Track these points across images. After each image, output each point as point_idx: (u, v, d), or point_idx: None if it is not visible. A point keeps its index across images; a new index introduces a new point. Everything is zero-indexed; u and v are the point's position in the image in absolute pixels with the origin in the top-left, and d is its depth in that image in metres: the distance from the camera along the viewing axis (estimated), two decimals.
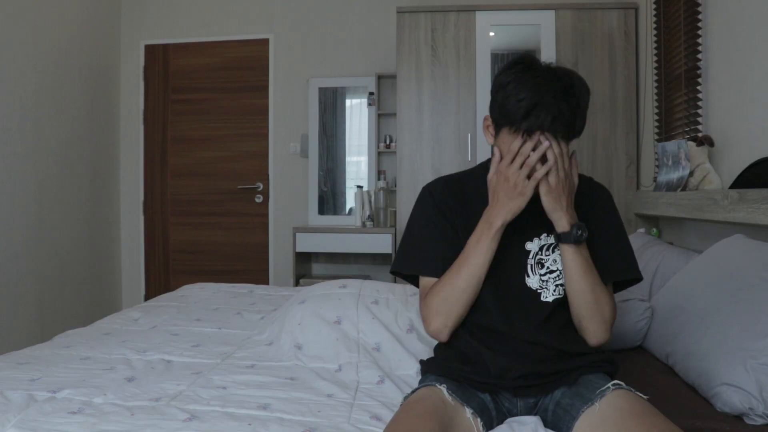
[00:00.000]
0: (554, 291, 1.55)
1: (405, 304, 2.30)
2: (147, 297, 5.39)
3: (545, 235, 1.58)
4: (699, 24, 3.00)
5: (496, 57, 4.27)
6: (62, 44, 4.61)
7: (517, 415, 1.50)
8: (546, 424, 1.45)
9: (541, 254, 1.57)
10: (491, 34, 4.25)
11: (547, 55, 4.13)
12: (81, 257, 4.86)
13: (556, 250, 1.57)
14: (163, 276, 5.41)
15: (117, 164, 5.43)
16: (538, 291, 1.55)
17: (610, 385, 1.39)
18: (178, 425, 1.48)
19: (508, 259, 1.56)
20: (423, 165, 4.27)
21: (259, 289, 3.38)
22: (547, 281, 1.56)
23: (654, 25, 3.67)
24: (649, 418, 1.27)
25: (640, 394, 1.37)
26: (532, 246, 1.57)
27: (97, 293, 5.10)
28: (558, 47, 4.14)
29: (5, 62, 4.01)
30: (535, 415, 1.49)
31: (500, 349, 1.52)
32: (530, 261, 1.57)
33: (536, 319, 1.53)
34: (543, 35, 4.17)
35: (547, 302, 1.55)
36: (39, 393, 1.70)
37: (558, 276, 1.55)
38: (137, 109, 5.43)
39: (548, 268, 1.56)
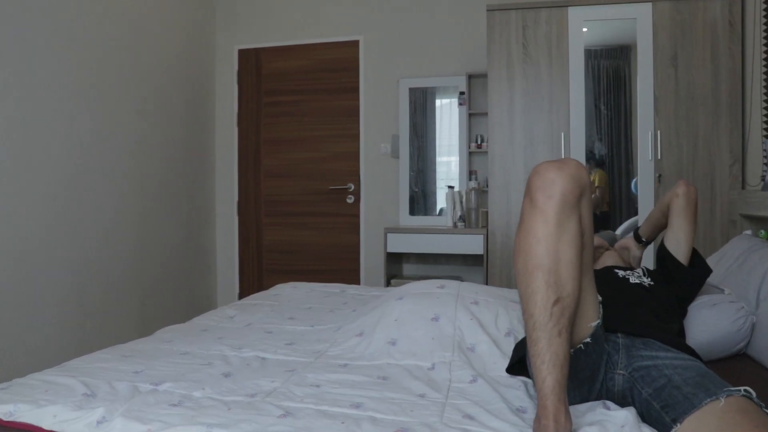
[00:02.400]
0: None
1: (506, 307, 2.26)
2: (241, 295, 5.53)
3: None
4: None
5: (589, 53, 4.16)
6: (162, 52, 4.79)
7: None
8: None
9: None
10: (584, 29, 4.14)
11: (644, 49, 3.99)
12: (179, 257, 5.03)
13: None
14: (256, 275, 5.54)
15: (212, 166, 5.60)
16: None
17: (741, 389, 1.36)
18: (273, 421, 1.50)
19: None
20: (515, 165, 4.20)
21: (350, 289, 3.40)
22: None
23: (764, 13, 3.48)
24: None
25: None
26: None
27: (194, 291, 5.27)
28: (655, 41, 3.99)
29: (112, 72, 4.20)
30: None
31: None
32: None
33: None
34: (639, 29, 4.03)
35: None
36: (142, 385, 1.76)
37: None
38: (231, 112, 5.59)
39: None
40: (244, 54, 5.55)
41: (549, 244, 1.38)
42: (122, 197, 4.32)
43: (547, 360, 1.31)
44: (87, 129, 4.00)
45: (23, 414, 1.56)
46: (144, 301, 4.55)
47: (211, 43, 5.57)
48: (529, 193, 1.44)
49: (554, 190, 1.40)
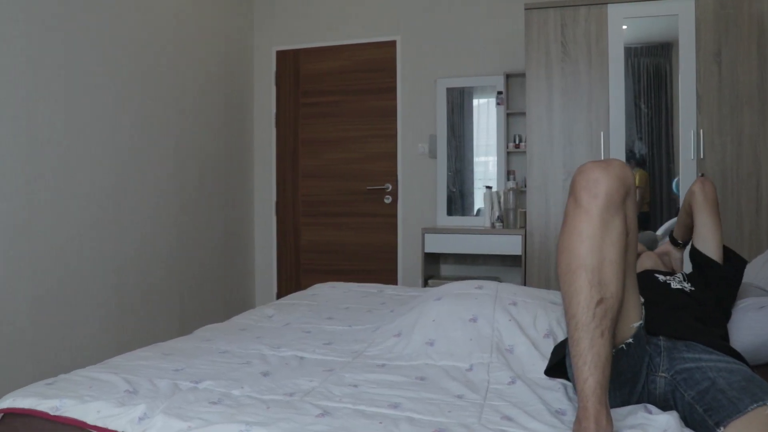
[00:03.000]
0: None
1: (545, 309, 2.24)
2: (279, 295, 5.57)
3: None
4: None
5: (629, 51, 4.11)
6: (201, 55, 4.86)
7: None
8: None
9: None
10: (624, 27, 4.09)
11: (687, 46, 3.92)
12: (218, 257, 5.09)
13: None
14: (294, 275, 5.57)
15: (251, 167, 5.65)
16: None
17: None
18: (311, 420, 1.51)
19: None
20: (554, 165, 4.17)
21: (388, 289, 3.40)
22: None
23: None
24: None
25: None
26: None
27: (233, 291, 5.33)
28: (698, 37, 3.92)
29: (148, 72, 4.26)
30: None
31: None
32: None
33: None
34: (681, 26, 3.96)
35: None
36: (183, 382, 1.78)
37: None
38: (270, 113, 5.63)
39: None
40: (281, 55, 5.60)
41: (593, 243, 1.37)
42: (162, 198, 4.39)
43: (589, 361, 1.30)
44: (128, 131, 4.06)
45: (69, 409, 1.59)
46: (183, 300, 4.61)
47: (249, 45, 5.62)
48: (573, 192, 1.43)
49: (599, 190, 1.38)
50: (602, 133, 4.07)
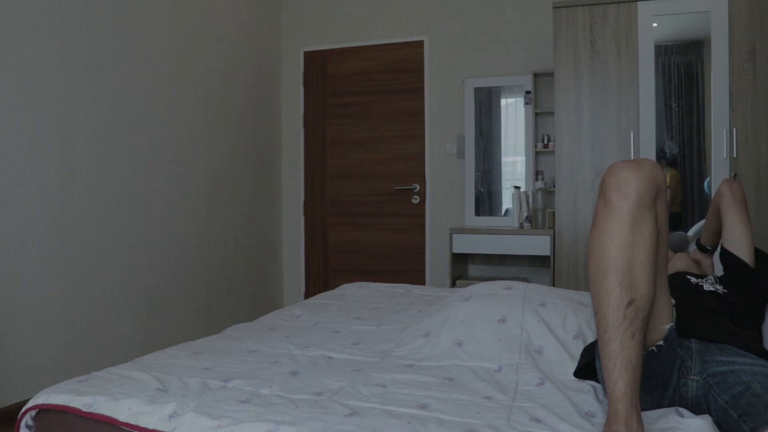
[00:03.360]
0: None
1: (574, 310, 2.23)
2: (307, 295, 5.59)
3: None
4: None
5: (659, 49, 4.06)
6: (228, 55, 4.90)
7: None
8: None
9: None
10: (654, 24, 4.04)
11: (719, 43, 3.86)
12: (246, 256, 5.13)
13: None
14: (322, 275, 5.59)
15: (279, 167, 5.68)
16: None
17: None
18: (340, 420, 1.51)
19: None
20: (583, 164, 4.13)
21: (416, 290, 3.40)
22: None
23: None
24: None
25: None
26: None
27: (261, 290, 5.36)
28: (732, 35, 3.86)
29: (178, 74, 4.31)
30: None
31: None
32: None
33: None
34: (714, 22, 3.90)
35: None
36: (212, 381, 1.80)
37: None
38: (297, 114, 5.66)
39: None
40: (309, 56, 5.62)
41: (623, 244, 1.35)
42: (192, 199, 4.43)
43: (619, 363, 1.28)
44: (158, 133, 4.11)
45: (101, 406, 1.61)
46: (212, 299, 4.65)
47: (277, 46, 5.65)
48: (603, 192, 1.42)
49: (629, 190, 1.37)
50: (632, 133, 4.02)
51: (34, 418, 1.72)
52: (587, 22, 4.12)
